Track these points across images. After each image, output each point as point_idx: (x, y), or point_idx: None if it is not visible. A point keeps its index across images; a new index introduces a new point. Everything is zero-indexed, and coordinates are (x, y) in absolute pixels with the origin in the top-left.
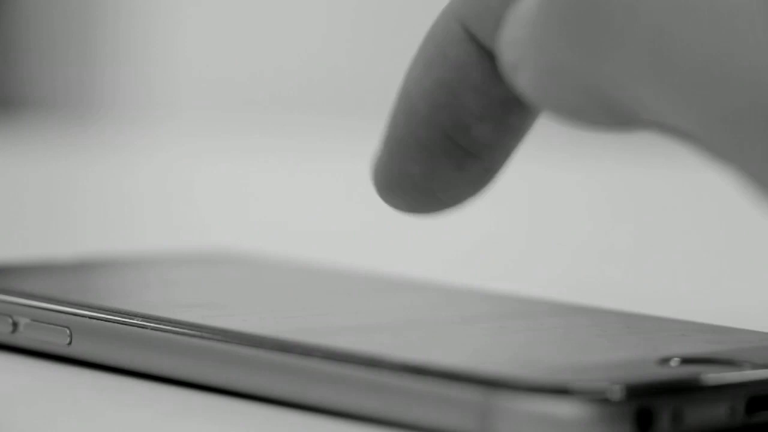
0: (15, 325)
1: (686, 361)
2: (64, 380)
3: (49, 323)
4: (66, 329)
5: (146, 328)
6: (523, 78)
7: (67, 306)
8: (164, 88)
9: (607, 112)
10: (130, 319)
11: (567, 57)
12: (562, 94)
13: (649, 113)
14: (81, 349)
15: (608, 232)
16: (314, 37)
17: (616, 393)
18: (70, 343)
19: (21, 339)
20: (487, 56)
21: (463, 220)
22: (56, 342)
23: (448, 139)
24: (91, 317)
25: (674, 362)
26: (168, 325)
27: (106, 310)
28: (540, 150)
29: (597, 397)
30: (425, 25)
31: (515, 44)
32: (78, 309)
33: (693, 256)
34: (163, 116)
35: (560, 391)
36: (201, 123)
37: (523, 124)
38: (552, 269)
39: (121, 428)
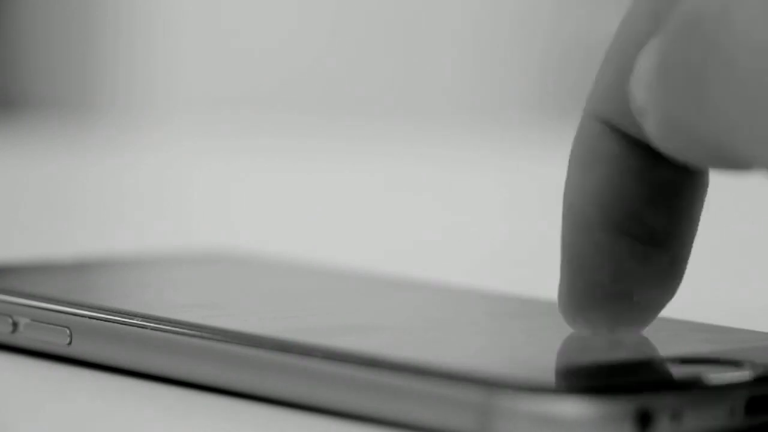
0: (15, 325)
1: (686, 361)
2: (64, 380)
3: (49, 323)
4: (66, 329)
5: (146, 328)
6: (648, 124)
7: (67, 306)
8: (164, 88)
9: (722, 159)
10: (130, 319)
11: (677, 110)
12: (680, 143)
13: (756, 161)
14: (81, 349)
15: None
16: (313, 37)
17: (616, 393)
18: (70, 343)
19: (21, 339)
20: (639, 145)
21: (464, 220)
22: (56, 342)
23: (627, 235)
24: (91, 317)
25: (674, 362)
26: (168, 325)
27: (106, 310)
28: (541, 150)
29: (597, 397)
30: (425, 25)
31: (642, 89)
32: (78, 309)
33: (693, 256)
34: (162, 116)
35: (560, 391)
36: (200, 123)
37: (693, 207)
38: (552, 269)
39: (121, 428)
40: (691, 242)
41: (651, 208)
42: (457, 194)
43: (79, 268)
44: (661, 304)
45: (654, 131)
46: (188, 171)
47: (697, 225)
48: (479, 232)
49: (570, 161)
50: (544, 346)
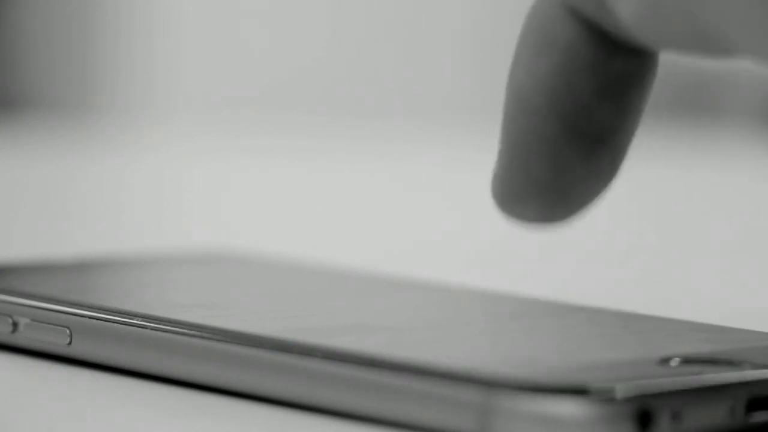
0: (15, 325)
1: (686, 361)
2: (64, 380)
3: (49, 323)
4: (66, 329)
5: (146, 328)
6: (624, 8)
7: (67, 306)
8: (164, 88)
9: (703, 40)
10: (130, 319)
11: None
12: (660, 24)
13: (742, 41)
14: (81, 349)
15: (608, 233)
16: (312, 37)
17: (616, 393)
18: (70, 343)
19: (21, 339)
20: (596, 33)
21: (464, 220)
22: (56, 342)
23: (571, 128)
24: (91, 317)
25: (674, 362)
26: (168, 325)
27: (106, 310)
28: None
29: (597, 397)
30: (424, 24)
31: None
32: (78, 309)
33: (693, 256)
34: (162, 116)
35: (560, 391)
36: (200, 123)
37: (639, 102)
38: (551, 269)
39: (121, 428)
40: (632, 138)
41: (598, 102)
42: (457, 194)
43: (79, 268)
44: (593, 201)
45: (631, 10)
46: (188, 171)
47: (640, 120)
48: (479, 232)
49: (521, 41)
50: (544, 346)
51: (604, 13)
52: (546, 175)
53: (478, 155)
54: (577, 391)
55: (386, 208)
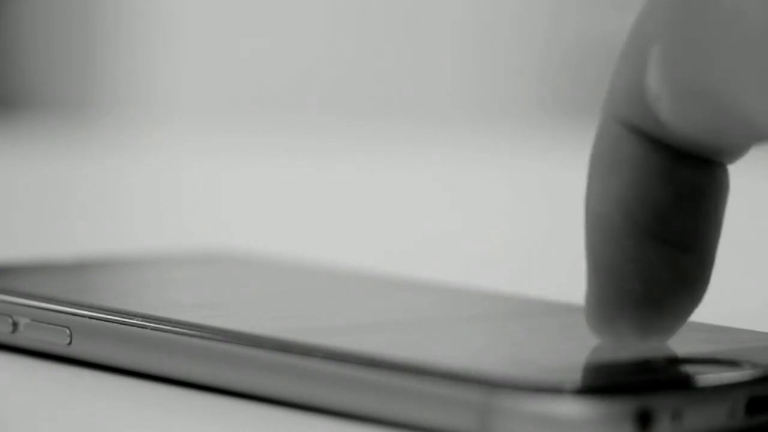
0: (15, 325)
1: (686, 361)
2: (64, 380)
3: (49, 323)
4: (66, 329)
5: (146, 328)
6: (665, 110)
7: (67, 306)
8: (164, 88)
9: (736, 127)
10: (130, 319)
11: (694, 75)
12: (698, 116)
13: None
14: (81, 349)
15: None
16: (312, 37)
17: (616, 393)
18: (70, 343)
19: (21, 339)
20: (661, 146)
21: (465, 219)
22: (56, 342)
23: (653, 238)
24: (91, 317)
25: (674, 362)
26: (168, 325)
27: (106, 310)
28: (541, 151)
29: (597, 397)
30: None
31: (654, 77)
32: (78, 309)
33: None
34: (162, 116)
35: (560, 391)
36: (200, 123)
37: (716, 210)
38: (552, 269)
39: (121, 428)
40: (716, 245)
41: (677, 211)
42: (457, 194)
43: (79, 268)
44: (689, 311)
45: (668, 113)
46: (188, 171)
47: (721, 227)
48: (480, 232)
49: (591, 166)
50: (544, 346)
51: (658, 125)
52: (636, 288)
53: (479, 155)
54: (577, 391)
55: (387, 208)
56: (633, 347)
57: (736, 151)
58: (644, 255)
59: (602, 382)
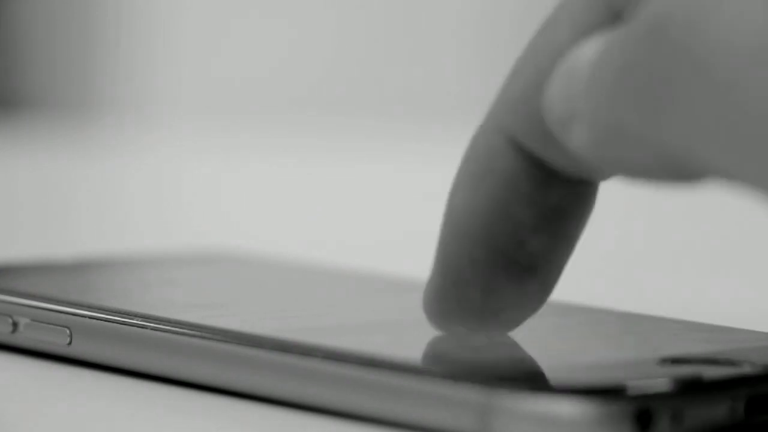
0: (15, 325)
1: (686, 361)
2: (64, 380)
3: (49, 323)
4: (66, 329)
5: (146, 328)
6: (577, 134)
7: (67, 306)
8: (164, 88)
9: (670, 168)
10: (130, 319)
11: (628, 114)
12: (622, 152)
13: (717, 169)
14: (81, 349)
15: (608, 232)
16: (312, 37)
17: (616, 393)
18: (70, 343)
19: (21, 339)
20: (536, 165)
21: None
22: (56, 342)
23: (505, 257)
24: (91, 317)
25: (674, 362)
26: (168, 325)
27: (106, 310)
28: None
29: (597, 397)
30: (424, 26)
31: (567, 99)
32: (78, 309)
33: (693, 255)
34: (162, 116)
35: (560, 391)
36: (200, 123)
37: (576, 231)
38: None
39: (121, 428)
40: (564, 265)
41: (534, 233)
42: None
43: (79, 268)
44: (522, 321)
45: (586, 139)
46: (188, 171)
47: (575, 246)
48: None
49: (462, 166)
50: (543, 346)
51: (549, 144)
52: (475, 299)
53: None
54: (577, 391)
55: (387, 208)
56: (633, 347)
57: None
58: (490, 269)
59: (602, 382)
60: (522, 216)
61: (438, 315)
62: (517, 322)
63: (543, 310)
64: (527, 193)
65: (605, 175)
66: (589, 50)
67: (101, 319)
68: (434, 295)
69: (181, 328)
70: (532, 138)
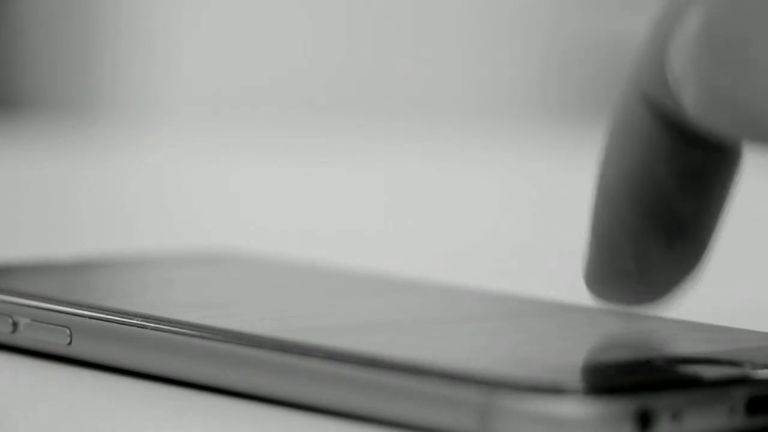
0: (15, 325)
1: (686, 361)
2: (64, 380)
3: (49, 323)
4: (66, 329)
5: (146, 328)
6: (686, 95)
7: (67, 306)
8: (164, 88)
9: (757, 130)
10: (130, 319)
11: (726, 79)
12: (720, 115)
13: None
14: (81, 349)
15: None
16: (313, 36)
17: (616, 393)
18: (70, 343)
19: (21, 339)
20: (673, 125)
21: (464, 220)
22: (56, 342)
23: (654, 219)
24: (91, 317)
25: (674, 362)
26: (168, 325)
27: (106, 310)
28: (541, 150)
29: (597, 397)
30: (424, 25)
31: (681, 60)
32: (78, 309)
33: None
34: (162, 116)
35: (560, 391)
36: (200, 123)
37: (722, 194)
38: (551, 269)
39: (121, 428)
40: (717, 230)
41: (680, 194)
42: (458, 194)
43: (79, 268)
44: (681, 287)
45: (692, 103)
46: (188, 171)
47: (723, 214)
48: (480, 232)
49: (607, 132)
50: (544, 346)
51: (674, 103)
52: (630, 263)
53: (480, 155)
54: (577, 391)
55: (387, 208)
56: (633, 347)
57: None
58: (641, 233)
59: (602, 382)
60: (664, 175)
61: (596, 284)
62: (670, 290)
63: (543, 311)
64: (667, 153)
65: (725, 140)
66: (698, 12)
67: (101, 319)
68: (591, 263)
69: (181, 328)
70: (664, 95)
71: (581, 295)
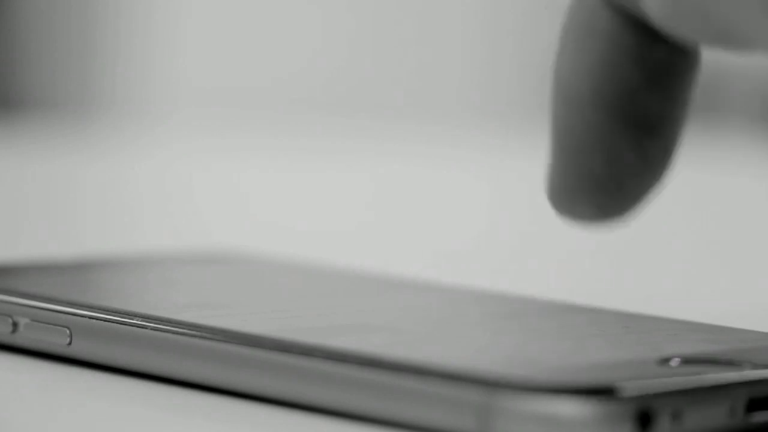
0: (15, 325)
1: (686, 361)
2: (64, 380)
3: (49, 323)
4: (66, 329)
5: (146, 328)
6: (648, 2)
7: (67, 306)
8: (164, 88)
9: (722, 36)
10: (130, 319)
11: None
12: (682, 16)
13: (757, 39)
14: (81, 349)
15: (608, 232)
16: (313, 36)
17: (616, 393)
18: (70, 343)
19: (21, 339)
20: (636, 23)
21: (464, 219)
22: (56, 342)
23: (620, 116)
24: (91, 317)
25: (674, 362)
26: (168, 325)
27: (106, 310)
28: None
29: (597, 397)
30: (424, 25)
31: None
32: (78, 309)
33: (693, 255)
34: (162, 116)
35: (560, 391)
36: (200, 122)
37: (685, 92)
38: (551, 269)
39: (121, 428)
40: (682, 129)
41: (645, 90)
42: (458, 194)
43: (79, 268)
44: (647, 194)
45: (655, 4)
46: (188, 171)
47: (687, 111)
48: (480, 232)
49: (563, 35)
50: (544, 346)
51: (637, 5)
52: (599, 167)
53: (480, 155)
54: (577, 391)
55: (387, 208)
56: (633, 348)
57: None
58: (608, 132)
59: (602, 382)
60: (631, 72)
61: (562, 195)
62: (641, 195)
63: (543, 311)
64: (631, 49)
65: (683, 40)
66: None
67: (101, 319)
68: (555, 171)
69: (181, 328)
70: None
71: (581, 295)
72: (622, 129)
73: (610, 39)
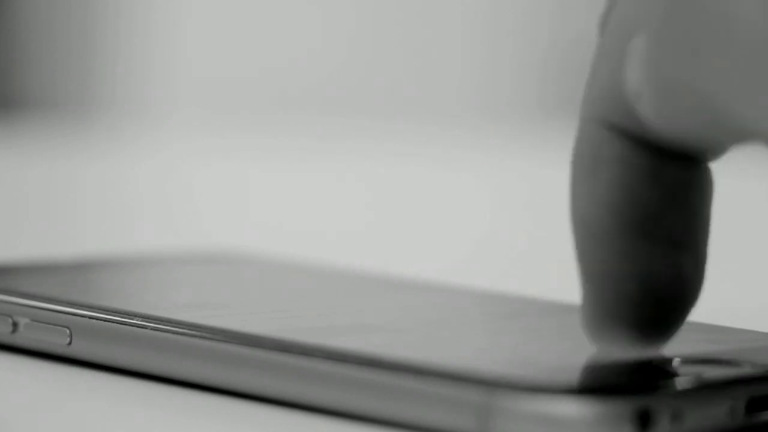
0: (15, 325)
1: (686, 361)
2: (64, 380)
3: (49, 323)
4: (66, 329)
5: (146, 328)
6: (645, 105)
7: (67, 306)
8: (164, 88)
9: (721, 127)
10: (130, 319)
11: (678, 71)
12: (681, 115)
13: (757, 123)
14: (81, 349)
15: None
16: (313, 36)
17: (616, 393)
18: (70, 343)
19: (21, 339)
20: (643, 145)
21: (464, 219)
22: (56, 342)
23: (648, 238)
24: (91, 317)
25: (674, 362)
26: (168, 325)
27: (106, 310)
28: (540, 149)
29: (597, 397)
30: (424, 25)
31: (635, 74)
32: (78, 309)
33: None
34: (162, 116)
35: (560, 391)
36: (200, 122)
37: (703, 202)
38: (552, 269)
39: (121, 428)
40: (707, 242)
41: (666, 209)
42: (457, 194)
43: (79, 268)
44: (687, 311)
45: (650, 111)
46: (188, 171)
47: (710, 224)
48: (479, 232)
49: (573, 170)
50: (543, 346)
51: (638, 122)
52: (634, 292)
53: (480, 156)
54: (577, 391)
55: (387, 208)
56: (633, 348)
57: (719, 150)
58: (638, 254)
59: (602, 382)
60: (648, 192)
61: (601, 326)
62: (680, 313)
63: (543, 311)
64: (646, 170)
65: (691, 144)
66: (640, 31)
67: (101, 319)
68: (592, 307)
69: (181, 328)
70: (628, 120)
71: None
72: (650, 248)
73: (621, 163)
